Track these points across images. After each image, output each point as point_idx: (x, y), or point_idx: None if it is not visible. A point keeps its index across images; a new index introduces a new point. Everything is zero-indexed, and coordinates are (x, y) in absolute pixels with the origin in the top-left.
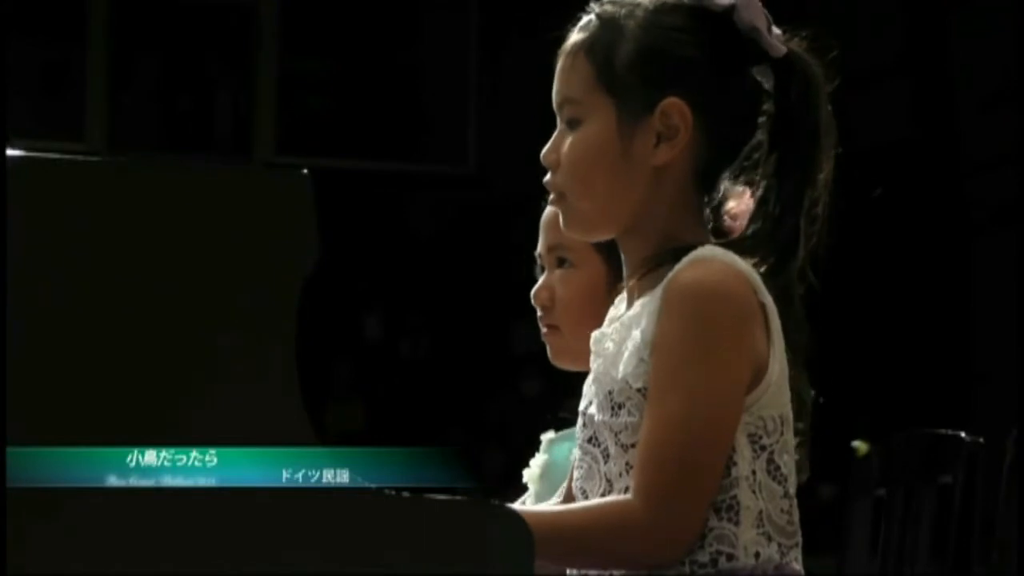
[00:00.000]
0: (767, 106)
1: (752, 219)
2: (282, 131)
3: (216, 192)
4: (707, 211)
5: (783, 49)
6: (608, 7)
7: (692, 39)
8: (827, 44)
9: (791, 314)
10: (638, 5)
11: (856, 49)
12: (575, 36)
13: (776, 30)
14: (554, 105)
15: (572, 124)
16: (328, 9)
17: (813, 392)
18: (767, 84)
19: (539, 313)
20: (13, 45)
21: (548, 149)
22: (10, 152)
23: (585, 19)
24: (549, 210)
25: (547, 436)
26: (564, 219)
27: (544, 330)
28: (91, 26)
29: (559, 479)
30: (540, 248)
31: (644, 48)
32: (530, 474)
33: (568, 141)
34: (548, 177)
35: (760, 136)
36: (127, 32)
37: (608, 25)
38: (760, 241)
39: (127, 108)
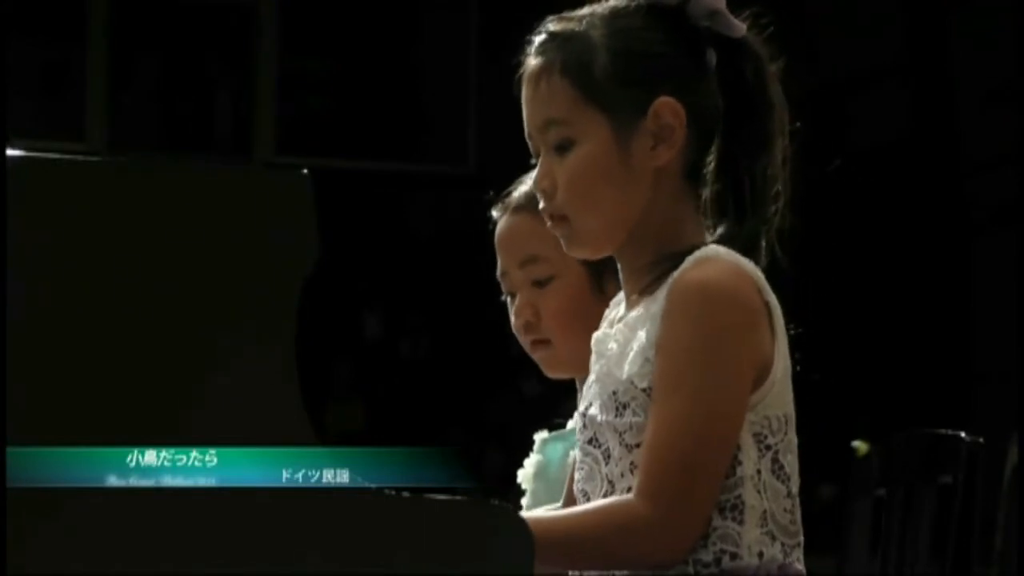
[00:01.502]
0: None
1: (720, 209)
2: (282, 131)
3: (216, 192)
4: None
5: (742, 29)
6: (562, 24)
7: (657, 36)
8: (767, 22)
9: None
10: (592, 15)
11: (856, 49)
12: (537, 59)
13: None
14: (530, 131)
15: (563, 146)
16: (328, 9)
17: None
18: (713, 66)
19: (522, 333)
20: (13, 45)
21: (539, 176)
22: (10, 152)
23: (540, 41)
24: (503, 227)
25: (540, 436)
26: (568, 242)
27: (530, 347)
28: (91, 26)
29: (553, 479)
30: (504, 267)
31: (618, 54)
32: (524, 474)
33: (564, 163)
34: (543, 204)
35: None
36: (127, 32)
37: (573, 40)
38: (734, 234)
39: (127, 108)
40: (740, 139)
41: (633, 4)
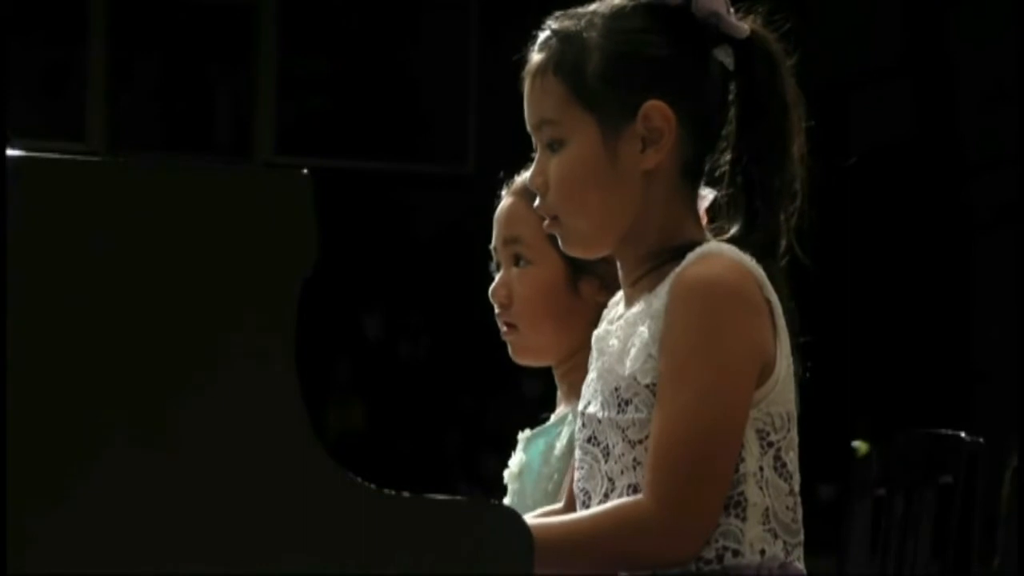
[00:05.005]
0: (732, 87)
1: (734, 209)
2: (282, 131)
3: (216, 192)
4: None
5: (746, 30)
6: (564, 22)
7: (656, 38)
8: (781, 19)
9: (780, 300)
10: (594, 14)
11: (856, 49)
12: (537, 57)
13: (731, 10)
14: (529, 128)
15: (554, 145)
16: (328, 9)
17: (806, 376)
18: (729, 64)
19: (496, 311)
20: (13, 45)
21: (534, 173)
22: (10, 152)
23: (542, 38)
24: (505, 203)
25: (523, 435)
26: (563, 241)
27: (503, 328)
28: (91, 26)
29: (536, 475)
30: (495, 242)
31: (612, 56)
32: (509, 473)
33: (553, 163)
34: (537, 203)
35: (730, 118)
36: (127, 32)
37: (570, 40)
38: (748, 235)
39: (127, 108)
40: (755, 139)
41: (633, 4)
